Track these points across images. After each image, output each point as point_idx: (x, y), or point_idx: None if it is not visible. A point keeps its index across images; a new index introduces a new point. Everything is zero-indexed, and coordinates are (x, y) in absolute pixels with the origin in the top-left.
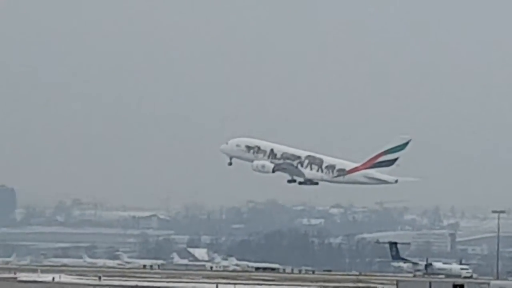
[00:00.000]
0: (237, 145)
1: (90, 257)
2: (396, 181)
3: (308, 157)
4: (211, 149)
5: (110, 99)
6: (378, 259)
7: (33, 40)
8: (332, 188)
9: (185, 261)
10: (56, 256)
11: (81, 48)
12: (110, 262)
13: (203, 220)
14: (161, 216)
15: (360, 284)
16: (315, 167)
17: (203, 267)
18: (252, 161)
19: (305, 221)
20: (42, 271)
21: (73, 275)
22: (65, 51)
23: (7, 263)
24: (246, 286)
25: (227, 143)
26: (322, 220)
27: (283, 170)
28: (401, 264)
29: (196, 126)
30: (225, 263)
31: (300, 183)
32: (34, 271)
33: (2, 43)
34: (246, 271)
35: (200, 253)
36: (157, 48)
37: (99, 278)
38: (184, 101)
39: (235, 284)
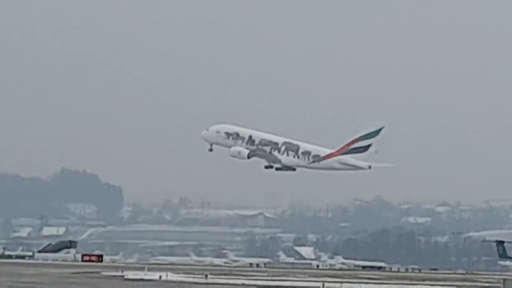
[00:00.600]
0: (217, 132)
1: (197, 255)
2: (370, 167)
3: (285, 143)
4: None
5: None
6: (484, 258)
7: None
8: (440, 185)
9: (291, 260)
10: (163, 254)
11: None
12: (217, 261)
13: (309, 219)
14: (268, 215)
15: (467, 283)
16: (291, 153)
17: (309, 266)
18: (230, 147)
19: (411, 219)
20: (149, 269)
21: (180, 274)
22: None
23: (114, 261)
24: (353, 284)
25: (207, 130)
26: (429, 219)
27: (260, 156)
28: (508, 263)
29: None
30: (331, 261)
31: (277, 169)
32: (141, 269)
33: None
34: (353, 269)
35: (307, 251)
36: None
37: (206, 276)
38: None
39: (341, 282)
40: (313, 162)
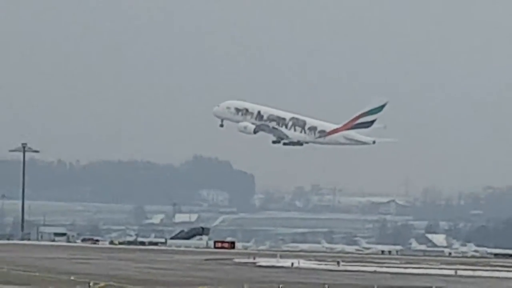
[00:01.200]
0: (227, 107)
1: (329, 242)
2: (374, 142)
3: (292, 118)
4: (448, 137)
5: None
6: None
7: None
8: None
9: (423, 247)
10: (294, 242)
11: None
12: (348, 248)
13: (441, 206)
14: (400, 202)
15: None
16: (298, 128)
17: (441, 253)
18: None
19: None
20: (281, 256)
21: (312, 261)
22: None
23: (246, 248)
24: (485, 272)
25: (218, 106)
26: None
27: (267, 131)
28: None
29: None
30: (463, 249)
31: (284, 144)
32: (273, 256)
33: None
34: (485, 257)
35: (439, 239)
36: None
37: (338, 263)
38: None
39: (473, 270)
40: (319, 137)
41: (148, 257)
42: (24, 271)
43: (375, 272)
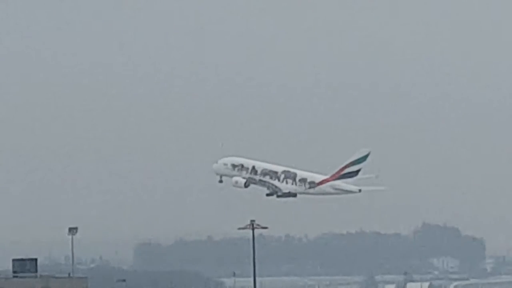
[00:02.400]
0: (224, 164)
1: None
2: (360, 191)
3: (284, 172)
4: None
5: None
6: None
7: None
8: None
9: None
10: None
11: None
12: None
13: None
14: None
15: None
16: (289, 181)
17: None
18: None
19: None
20: None
21: None
22: None
23: None
24: None
25: (217, 162)
26: None
27: (260, 185)
28: None
29: None
30: None
31: (278, 196)
32: None
33: None
34: None
35: None
36: None
37: None
38: None
39: None
40: (310, 188)
41: None
42: None
43: None
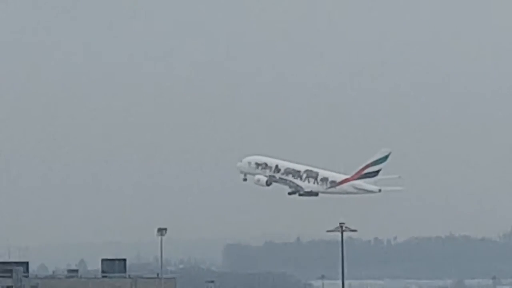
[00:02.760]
0: (249, 163)
1: None
2: (380, 191)
3: (306, 171)
4: None
5: None
6: None
7: None
8: None
9: None
10: None
11: None
12: None
13: None
14: None
15: None
16: (311, 180)
17: None
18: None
19: None
20: None
21: None
22: None
23: None
24: None
25: (241, 161)
26: None
27: (283, 183)
28: None
29: None
30: None
31: (300, 194)
32: None
33: None
34: None
35: None
36: None
37: None
38: None
39: None
40: (330, 187)
41: None
42: None
43: None
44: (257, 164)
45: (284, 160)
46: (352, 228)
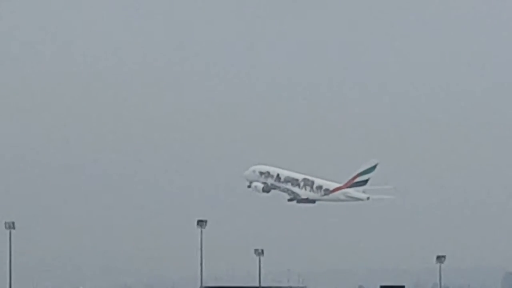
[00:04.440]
0: (253, 171)
1: None
2: (368, 198)
3: (304, 179)
4: None
5: None
6: None
7: None
8: None
9: None
10: None
11: None
12: None
13: None
14: None
15: None
16: (308, 188)
17: None
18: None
19: None
20: None
21: None
22: None
23: None
24: None
25: (247, 170)
26: None
27: (281, 190)
28: None
29: None
30: None
31: (298, 201)
32: None
33: None
34: None
35: None
36: None
37: None
38: None
39: None
40: (324, 195)
41: None
42: None
43: None
44: (261, 173)
45: (284, 169)
46: None
